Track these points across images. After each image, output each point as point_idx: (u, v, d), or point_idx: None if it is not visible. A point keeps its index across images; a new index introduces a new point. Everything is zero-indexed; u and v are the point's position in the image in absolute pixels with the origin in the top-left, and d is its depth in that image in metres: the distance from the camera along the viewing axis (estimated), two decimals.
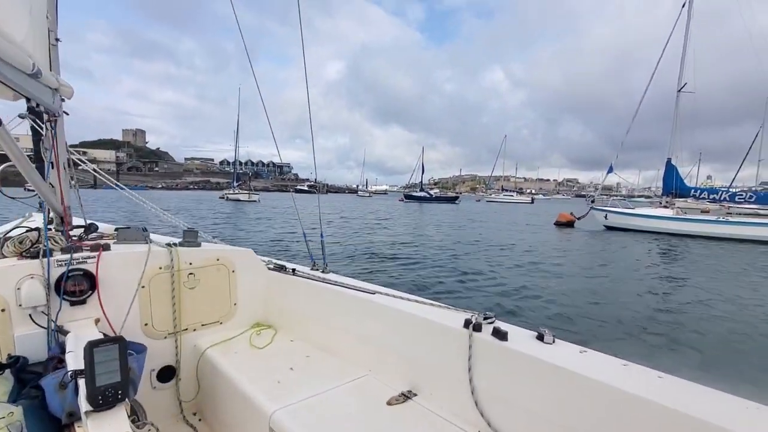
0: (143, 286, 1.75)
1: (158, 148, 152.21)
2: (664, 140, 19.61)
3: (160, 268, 1.81)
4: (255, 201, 41.42)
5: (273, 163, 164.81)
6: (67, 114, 1.92)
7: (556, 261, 10.33)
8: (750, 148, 20.91)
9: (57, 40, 1.83)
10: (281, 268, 2.25)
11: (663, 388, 1.02)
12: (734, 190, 18.66)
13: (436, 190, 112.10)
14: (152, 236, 2.03)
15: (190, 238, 2.02)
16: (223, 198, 44.22)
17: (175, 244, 1.92)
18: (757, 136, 31.71)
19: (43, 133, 1.75)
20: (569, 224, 21.26)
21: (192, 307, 1.93)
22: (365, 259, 9.62)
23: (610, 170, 20.76)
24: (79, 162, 2.31)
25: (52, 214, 1.92)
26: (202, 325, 1.98)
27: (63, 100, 1.83)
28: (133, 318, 1.72)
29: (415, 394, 1.51)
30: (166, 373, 1.87)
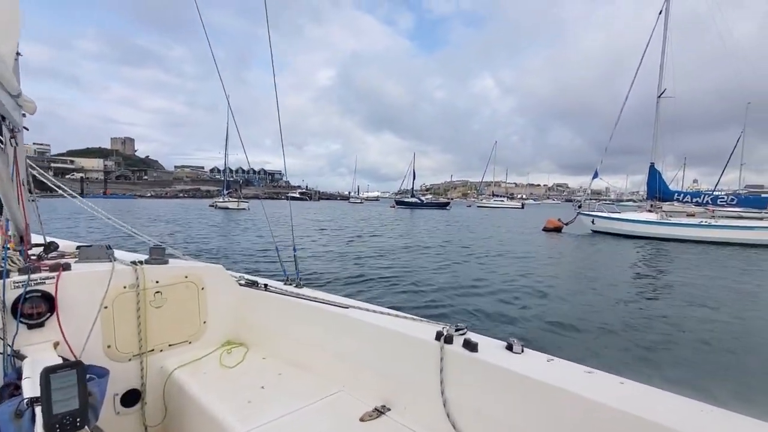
0: (106, 307, 1.70)
1: (147, 156, 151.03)
2: (650, 145, 19.94)
3: (125, 287, 1.75)
4: (244, 209, 41.14)
5: (264, 171, 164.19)
6: (27, 129, 1.86)
7: (543, 269, 10.33)
8: (732, 152, 21.39)
9: (18, 54, 1.78)
10: (253, 284, 2.21)
11: (624, 394, 1.06)
12: (717, 194, 19.00)
13: (429, 196, 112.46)
14: (117, 254, 1.97)
15: (157, 255, 1.96)
16: (213, 206, 43.82)
17: (140, 262, 1.86)
18: (738, 140, 32.50)
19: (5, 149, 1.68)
20: (557, 230, 21.44)
21: (159, 327, 1.87)
22: (353, 269, 9.57)
23: (596, 175, 21.08)
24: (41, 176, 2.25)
25: (10, 232, 1.87)
26: (170, 345, 1.92)
27: (24, 115, 1.78)
28: (94, 340, 1.66)
29: (389, 409, 1.51)
30: (131, 397, 1.80)
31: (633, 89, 19.53)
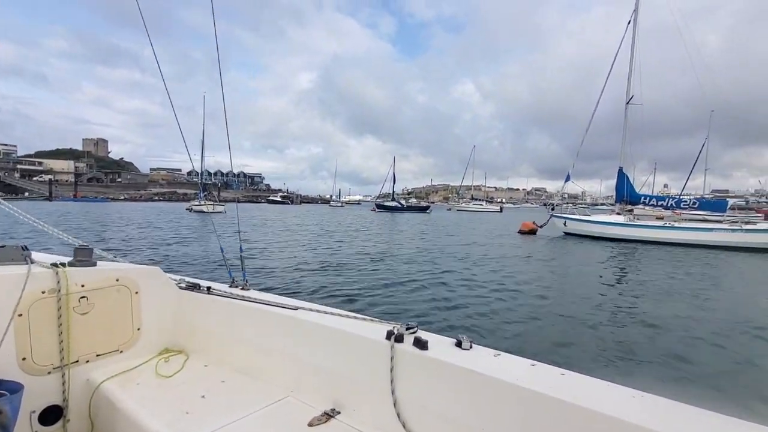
0: (20, 315, 1.54)
1: (122, 159, 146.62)
2: (626, 150, 20.63)
3: (44, 292, 1.60)
4: (220, 212, 40.40)
5: (244, 174, 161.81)
6: None
7: (517, 269, 10.50)
8: (697, 158, 22.32)
9: None
10: (194, 287, 2.10)
11: (564, 385, 1.10)
12: (680, 197, 19.80)
13: (414, 200, 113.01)
14: (36, 255, 1.82)
15: (83, 257, 1.79)
16: (189, 210, 42.91)
17: (63, 264, 1.71)
18: (703, 147, 33.97)
19: None
20: (532, 232, 21.89)
21: (84, 336, 1.72)
22: (329, 269, 9.53)
23: (568, 179, 21.65)
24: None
25: None
26: (97, 355, 1.77)
27: None
28: (6, 352, 1.50)
29: (339, 412, 1.47)
30: (51, 415, 1.63)
31: (608, 95, 20.29)
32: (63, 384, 1.65)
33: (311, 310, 1.75)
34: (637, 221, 19.04)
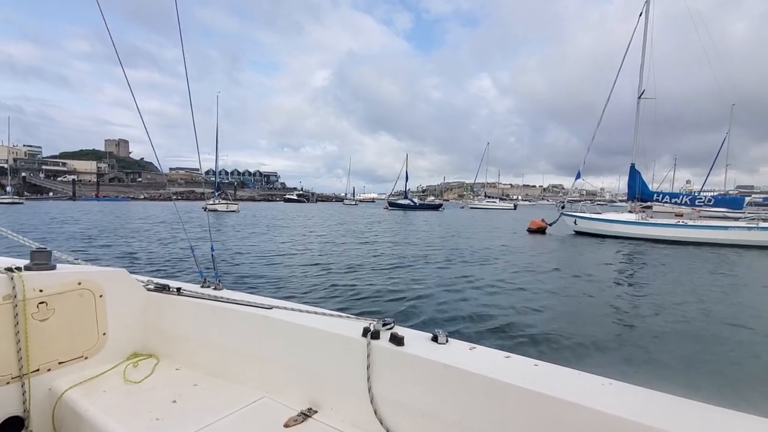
0: None
1: (142, 159, 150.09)
2: (645, 145, 20.01)
3: None
4: (234, 211, 41.03)
5: (260, 173, 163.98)
6: None
7: (523, 268, 10.22)
8: (717, 154, 21.44)
9: None
10: (163, 288, 2.04)
11: (537, 375, 1.13)
12: (695, 194, 19.08)
13: (432, 198, 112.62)
14: None
15: (41, 260, 1.70)
16: (205, 209, 43.72)
17: (18, 269, 1.62)
18: (724, 141, 32.68)
19: None
20: (541, 231, 21.46)
21: (45, 343, 1.65)
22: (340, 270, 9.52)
23: (578, 176, 21.10)
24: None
25: None
26: (60, 363, 1.70)
27: None
28: None
29: (315, 411, 1.46)
30: (11, 427, 1.58)
31: (628, 89, 19.66)
32: (23, 394, 1.59)
33: (286, 308, 1.72)
34: (650, 219, 18.44)
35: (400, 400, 1.30)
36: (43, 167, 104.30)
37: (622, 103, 20.20)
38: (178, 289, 2.02)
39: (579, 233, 20.22)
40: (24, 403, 1.59)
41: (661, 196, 19.13)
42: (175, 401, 1.57)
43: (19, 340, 1.57)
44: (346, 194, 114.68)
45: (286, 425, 1.39)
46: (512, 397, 1.08)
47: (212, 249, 2.42)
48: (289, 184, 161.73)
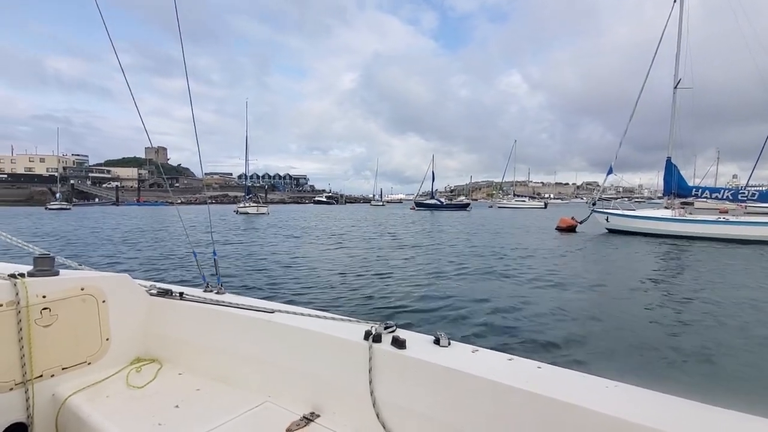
0: None
1: (180, 165, 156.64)
2: (684, 138, 19.01)
3: (1, 305, 1.55)
4: (264, 213, 42.12)
5: (289, 176, 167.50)
6: None
7: (550, 269, 9.78)
8: (763, 146, 19.98)
9: None
10: (166, 293, 2.06)
11: (541, 378, 1.12)
12: (738, 189, 17.91)
13: (462, 197, 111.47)
14: None
15: (44, 266, 1.71)
16: (236, 212, 45.13)
17: (21, 275, 1.63)
18: None
19: None
20: (571, 229, 20.81)
21: (48, 349, 1.65)
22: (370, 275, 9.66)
23: (610, 172, 20.31)
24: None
25: None
26: (63, 368, 1.70)
27: None
28: None
29: (318, 416, 1.46)
30: None
31: (667, 80, 18.66)
32: (27, 400, 1.59)
33: (288, 312, 1.72)
34: (688, 216, 17.49)
35: (403, 403, 1.29)
36: (90, 175, 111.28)
37: (663, 94, 19.21)
38: (181, 294, 2.03)
39: (611, 231, 19.47)
40: (27, 409, 1.59)
41: (700, 191, 18.08)
42: (177, 406, 1.57)
43: (22, 347, 1.57)
44: (373, 195, 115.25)
45: (289, 430, 1.38)
46: (516, 400, 1.07)
47: (214, 254, 2.43)
48: (318, 187, 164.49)
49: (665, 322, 5.48)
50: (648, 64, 18.41)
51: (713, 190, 18.35)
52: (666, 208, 18.69)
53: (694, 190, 18.17)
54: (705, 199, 18.24)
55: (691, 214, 17.77)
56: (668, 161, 18.62)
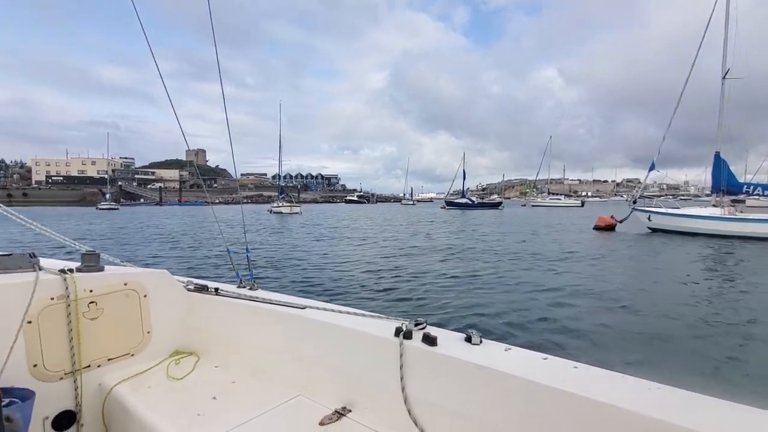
0: (30, 322, 1.54)
1: (217, 166, 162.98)
2: (734, 132, 17.85)
3: (53, 298, 1.60)
4: (297, 213, 43.10)
5: (321, 176, 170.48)
6: None
7: (587, 271, 9.49)
8: None
9: None
10: (202, 288, 2.12)
11: (577, 378, 1.09)
12: None
13: (495, 196, 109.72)
14: (44, 262, 1.84)
15: (90, 262, 1.80)
16: (270, 211, 46.41)
17: (71, 270, 1.71)
18: None
19: None
20: (610, 228, 20.05)
21: (95, 341, 1.73)
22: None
23: (652, 167, 19.39)
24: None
25: None
26: (109, 359, 1.78)
27: None
28: (17, 360, 1.50)
29: (350, 411, 1.47)
30: (64, 420, 1.63)
31: (716, 70, 17.59)
32: (75, 389, 1.65)
33: (319, 308, 1.76)
34: (739, 214, 16.43)
35: (434, 400, 1.28)
36: (136, 176, 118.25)
37: (711, 84, 18.06)
38: (216, 290, 2.09)
39: (654, 230, 18.60)
40: (76, 398, 1.65)
41: (752, 188, 16.96)
42: (215, 398, 1.61)
43: (72, 338, 1.64)
44: (404, 194, 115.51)
45: (321, 423, 1.40)
46: (551, 400, 1.05)
47: (247, 250, 2.50)
48: (349, 186, 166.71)
49: (722, 336, 5.06)
50: (693, 53, 17.41)
51: (766, 187, 17.15)
52: (714, 206, 17.64)
53: (745, 186, 17.06)
54: (757, 197, 17.10)
55: (742, 212, 16.68)
56: (717, 156, 17.55)
